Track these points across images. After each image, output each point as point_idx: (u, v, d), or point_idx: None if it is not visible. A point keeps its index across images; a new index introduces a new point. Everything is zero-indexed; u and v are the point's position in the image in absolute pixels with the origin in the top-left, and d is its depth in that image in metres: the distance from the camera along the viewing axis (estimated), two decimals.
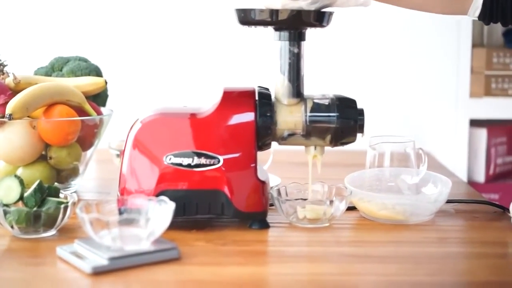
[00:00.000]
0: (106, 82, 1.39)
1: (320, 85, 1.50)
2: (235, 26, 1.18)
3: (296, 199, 1.20)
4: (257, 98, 1.15)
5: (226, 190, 1.12)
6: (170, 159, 1.12)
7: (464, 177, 1.93)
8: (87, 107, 1.33)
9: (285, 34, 1.16)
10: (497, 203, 1.30)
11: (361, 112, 1.16)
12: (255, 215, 1.14)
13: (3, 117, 1.24)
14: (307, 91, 1.18)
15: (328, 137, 1.16)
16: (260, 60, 1.81)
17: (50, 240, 1.08)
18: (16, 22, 1.92)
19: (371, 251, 1.06)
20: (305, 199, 1.20)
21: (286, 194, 1.21)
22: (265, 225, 1.15)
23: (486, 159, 1.99)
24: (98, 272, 0.94)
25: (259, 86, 1.19)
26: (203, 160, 1.12)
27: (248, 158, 1.13)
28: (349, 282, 0.96)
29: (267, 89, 1.18)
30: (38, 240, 1.08)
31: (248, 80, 1.32)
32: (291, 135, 1.16)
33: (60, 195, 1.15)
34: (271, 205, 1.18)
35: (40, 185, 1.12)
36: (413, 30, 1.94)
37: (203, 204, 1.12)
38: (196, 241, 1.08)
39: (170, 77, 1.93)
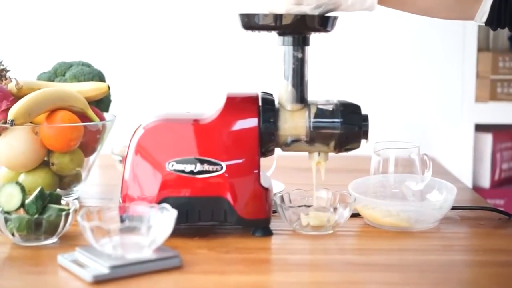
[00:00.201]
0: (109, 88, 1.39)
1: (324, 90, 1.50)
2: (239, 31, 1.17)
3: (300, 206, 1.19)
4: (260, 103, 1.14)
5: (229, 197, 1.11)
6: (172, 165, 1.11)
7: (469, 183, 1.92)
8: (90, 112, 1.32)
9: (289, 39, 1.15)
10: (502, 209, 1.29)
11: (365, 118, 1.15)
12: (258, 222, 1.13)
13: (5, 123, 1.24)
14: (311, 96, 1.17)
15: (332, 143, 1.15)
16: (263, 65, 1.80)
17: (51, 247, 1.08)
18: (18, 27, 1.92)
19: (375, 259, 1.05)
20: (308, 206, 1.19)
21: (290, 201, 1.20)
22: (268, 233, 1.14)
23: (491, 164, 1.97)
24: (99, 281, 0.94)
25: (262, 92, 1.18)
26: (205, 167, 1.11)
27: (251, 164, 1.12)
28: None
29: (271, 94, 1.18)
30: (39, 247, 1.08)
31: (251, 86, 1.31)
32: (295, 141, 1.15)
33: (62, 202, 1.14)
34: (274, 211, 1.17)
35: (41, 192, 1.11)
36: (418, 34, 1.93)
37: (206, 211, 1.11)
38: (199, 248, 1.07)
39: (173, 82, 1.92)
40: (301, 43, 1.15)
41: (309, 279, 0.99)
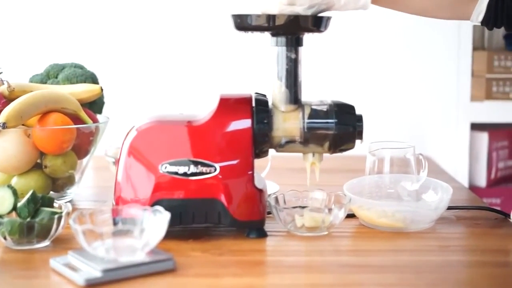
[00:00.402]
0: (102, 89, 1.38)
1: (318, 91, 1.49)
2: (232, 32, 1.16)
3: (294, 207, 1.18)
4: (254, 104, 1.14)
5: (222, 198, 1.10)
6: (165, 167, 1.10)
7: (465, 182, 1.91)
8: (83, 114, 1.31)
9: (282, 39, 1.14)
10: (498, 209, 1.28)
11: (359, 118, 1.14)
12: (253, 224, 1.12)
13: None
14: (304, 97, 1.16)
15: (327, 144, 1.14)
16: (257, 66, 1.80)
17: (44, 251, 1.07)
18: (11, 29, 1.91)
19: (371, 260, 1.04)
20: (303, 207, 1.18)
21: (284, 202, 1.19)
22: (262, 234, 1.13)
23: (487, 163, 1.97)
24: (92, 284, 0.93)
25: (256, 93, 1.17)
26: (199, 169, 1.10)
27: (245, 165, 1.11)
28: None
29: (264, 95, 1.17)
30: (32, 251, 1.07)
31: (245, 87, 1.30)
32: (289, 142, 1.14)
33: (55, 204, 1.13)
34: (269, 213, 1.16)
35: (33, 195, 1.10)
36: (412, 33, 1.93)
37: (200, 213, 1.11)
38: (192, 251, 1.06)
39: (166, 84, 1.92)
40: (294, 43, 1.14)
41: (304, 281, 0.98)
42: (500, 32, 2.01)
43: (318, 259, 1.06)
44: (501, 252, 1.09)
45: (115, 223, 1.05)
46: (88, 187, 1.47)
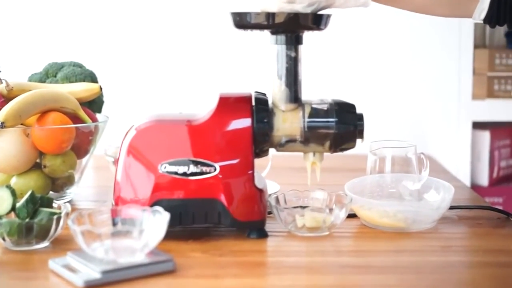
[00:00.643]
0: (101, 88, 1.37)
1: (318, 89, 1.48)
2: (231, 30, 1.15)
3: (295, 207, 1.17)
4: (253, 103, 1.13)
5: (223, 198, 1.09)
6: (165, 167, 1.09)
7: (467, 181, 1.91)
8: (82, 113, 1.30)
9: (281, 37, 1.13)
10: (501, 208, 1.27)
11: (360, 117, 1.14)
12: (253, 224, 1.11)
13: None
14: (305, 96, 1.15)
15: (327, 143, 1.13)
16: (256, 65, 1.79)
17: (42, 252, 1.06)
18: (9, 28, 1.90)
19: (372, 261, 1.03)
20: (304, 207, 1.18)
21: (285, 202, 1.19)
22: (263, 234, 1.12)
23: (489, 162, 1.96)
24: (91, 286, 0.92)
25: (255, 92, 1.16)
26: (199, 168, 1.09)
27: (245, 165, 1.11)
28: None
29: (264, 94, 1.16)
30: (31, 252, 1.06)
31: (244, 85, 1.29)
32: (289, 141, 1.14)
33: (54, 205, 1.12)
34: (270, 213, 1.15)
35: (32, 196, 1.09)
36: (413, 31, 1.92)
37: (200, 213, 1.10)
38: (192, 252, 1.06)
39: (165, 83, 1.91)
40: (294, 41, 1.13)
41: (305, 282, 0.97)
42: (501, 30, 2.00)
43: (319, 260, 1.05)
44: (504, 252, 1.08)
45: (114, 223, 1.04)
46: (88, 186, 1.46)
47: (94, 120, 1.34)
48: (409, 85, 1.93)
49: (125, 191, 1.11)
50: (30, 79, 1.42)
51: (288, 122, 1.13)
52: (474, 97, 1.93)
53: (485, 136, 1.96)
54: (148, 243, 0.97)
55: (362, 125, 1.13)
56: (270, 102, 1.14)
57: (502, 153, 1.98)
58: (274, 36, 1.14)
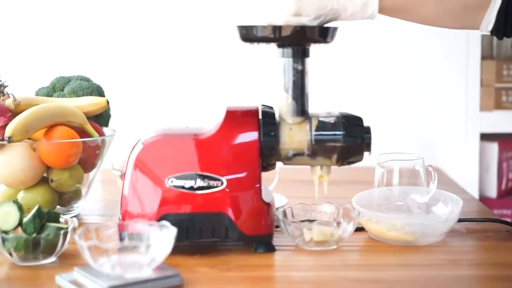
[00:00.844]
0: (108, 102, 1.37)
1: (325, 102, 1.48)
2: (237, 44, 1.15)
3: (302, 221, 1.17)
4: (260, 117, 1.12)
5: (230, 212, 1.09)
6: (172, 181, 1.09)
7: (475, 193, 1.89)
8: (89, 127, 1.30)
9: (288, 50, 1.13)
10: (509, 220, 1.26)
11: (368, 130, 1.13)
12: (260, 238, 1.11)
13: (2, 139, 1.22)
14: (312, 109, 1.15)
15: (335, 157, 1.13)
16: (263, 78, 1.79)
17: (50, 267, 1.06)
18: (16, 42, 1.91)
19: (380, 275, 1.03)
20: (311, 221, 1.17)
21: (292, 216, 1.18)
22: (270, 249, 1.11)
23: (497, 173, 1.95)
24: None
25: (262, 105, 1.16)
26: (206, 182, 1.09)
27: (252, 179, 1.10)
28: None
29: (271, 107, 1.16)
30: (38, 267, 1.05)
31: (251, 99, 1.29)
32: (296, 154, 1.13)
33: (61, 219, 1.12)
34: (277, 227, 1.14)
35: (39, 211, 1.09)
36: (420, 43, 1.91)
37: (207, 227, 1.09)
38: (199, 266, 1.05)
39: (172, 96, 1.91)
40: (300, 54, 1.13)
41: None
42: (509, 41, 1.99)
43: (327, 274, 1.04)
44: None
45: (121, 238, 1.04)
46: (95, 200, 1.46)
47: (101, 134, 1.34)
48: (416, 97, 1.93)
49: (132, 205, 1.11)
50: (37, 94, 1.42)
51: (295, 136, 1.12)
52: (481, 108, 1.92)
53: (493, 147, 1.95)
54: (155, 258, 0.96)
55: (370, 138, 1.13)
56: (277, 116, 1.14)
57: (510, 165, 1.97)
58: (280, 49, 1.13)
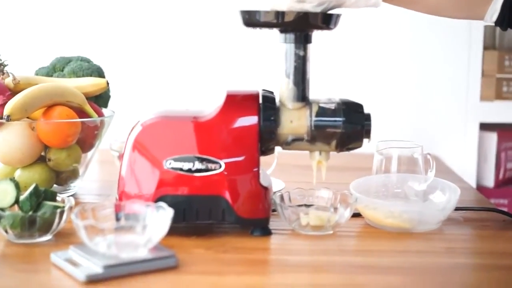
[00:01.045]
0: (108, 83, 1.37)
1: (326, 89, 1.47)
2: (240, 28, 1.15)
3: (299, 205, 1.17)
4: (261, 101, 1.12)
5: (227, 195, 1.09)
6: (170, 163, 1.09)
7: (473, 182, 1.90)
8: (88, 108, 1.30)
9: (290, 36, 1.12)
10: (506, 210, 1.26)
11: (368, 117, 1.13)
12: (257, 222, 1.11)
13: (1, 118, 1.22)
14: (312, 95, 1.15)
15: (334, 143, 1.13)
16: (265, 63, 1.78)
17: (45, 245, 1.06)
18: (17, 22, 1.90)
19: (376, 261, 1.03)
20: (308, 206, 1.17)
21: (290, 200, 1.18)
22: (267, 232, 1.11)
23: (496, 163, 1.95)
24: (92, 281, 0.92)
25: (263, 90, 1.16)
26: (204, 165, 1.09)
27: (251, 163, 1.10)
28: None
29: (272, 92, 1.15)
30: (33, 245, 1.06)
31: (252, 83, 1.29)
32: (296, 140, 1.13)
33: (57, 198, 1.12)
34: (274, 211, 1.14)
35: (36, 189, 1.09)
36: (423, 32, 1.91)
37: (204, 210, 1.09)
38: (196, 248, 1.05)
39: (172, 79, 1.90)
40: (303, 40, 1.12)
41: (308, 281, 0.97)
42: (511, 32, 1.99)
43: (322, 259, 1.04)
44: (508, 255, 1.07)
45: (117, 218, 1.04)
46: (92, 180, 1.46)
47: (100, 114, 1.34)
48: (417, 85, 1.92)
49: (129, 186, 1.11)
50: (37, 73, 1.42)
51: (295, 121, 1.12)
52: (482, 98, 1.92)
53: (492, 137, 1.95)
54: (151, 239, 0.97)
55: (370, 125, 1.13)
56: (277, 100, 1.14)
57: (508, 155, 1.97)
58: (283, 35, 1.13)
